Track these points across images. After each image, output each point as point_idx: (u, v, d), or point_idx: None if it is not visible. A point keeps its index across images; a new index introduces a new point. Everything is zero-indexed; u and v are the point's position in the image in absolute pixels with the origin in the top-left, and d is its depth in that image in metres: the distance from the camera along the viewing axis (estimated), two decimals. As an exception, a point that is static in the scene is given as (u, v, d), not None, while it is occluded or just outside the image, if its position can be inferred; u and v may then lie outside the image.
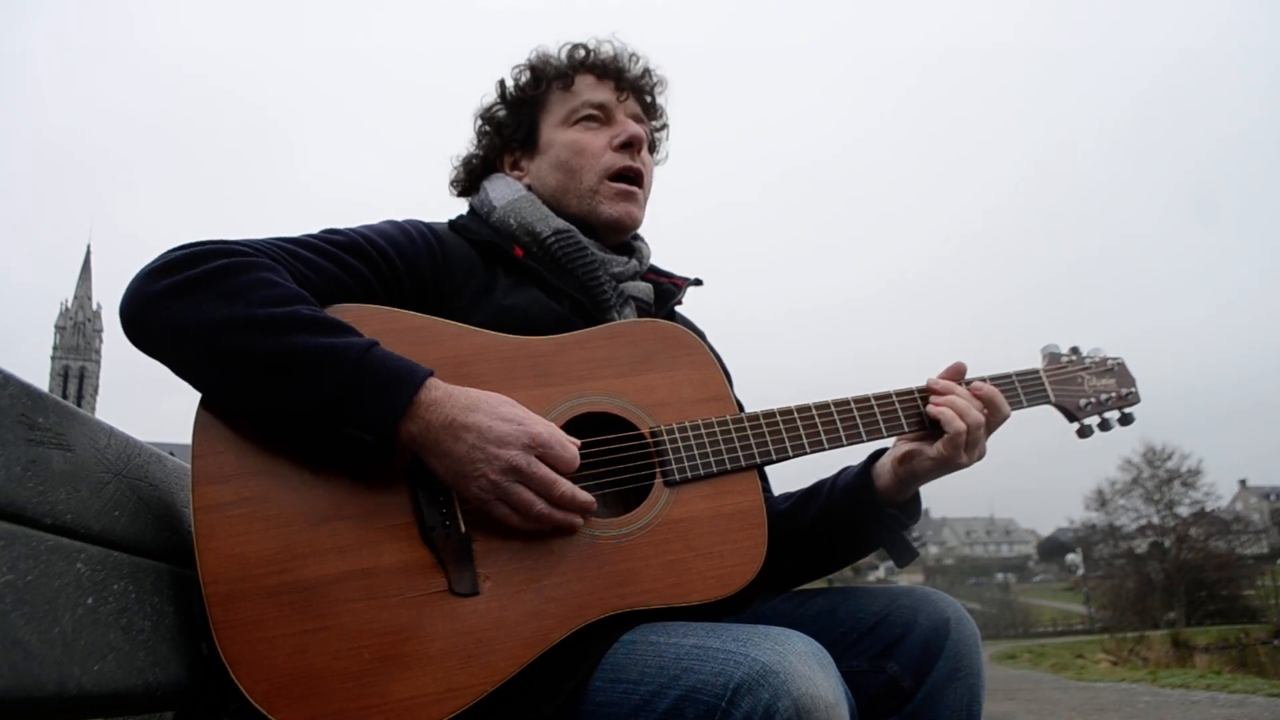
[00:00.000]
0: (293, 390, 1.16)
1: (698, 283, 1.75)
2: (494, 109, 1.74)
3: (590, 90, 1.66)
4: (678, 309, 1.75)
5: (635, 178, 1.64)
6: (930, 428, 1.51)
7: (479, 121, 1.75)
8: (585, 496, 1.24)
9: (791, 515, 1.61)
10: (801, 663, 1.06)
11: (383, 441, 1.18)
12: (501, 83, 1.72)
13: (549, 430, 1.23)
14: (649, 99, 1.73)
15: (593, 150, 1.62)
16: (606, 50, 1.68)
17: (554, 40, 1.71)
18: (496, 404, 1.23)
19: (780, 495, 1.70)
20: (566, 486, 1.22)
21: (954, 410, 1.48)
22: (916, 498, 1.57)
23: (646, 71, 1.72)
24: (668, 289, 1.72)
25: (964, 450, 1.48)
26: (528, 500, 1.20)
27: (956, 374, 1.58)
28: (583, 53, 1.67)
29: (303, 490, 1.18)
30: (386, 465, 1.23)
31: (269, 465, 1.18)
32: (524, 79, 1.70)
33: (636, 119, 1.69)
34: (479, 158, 1.75)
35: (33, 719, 0.87)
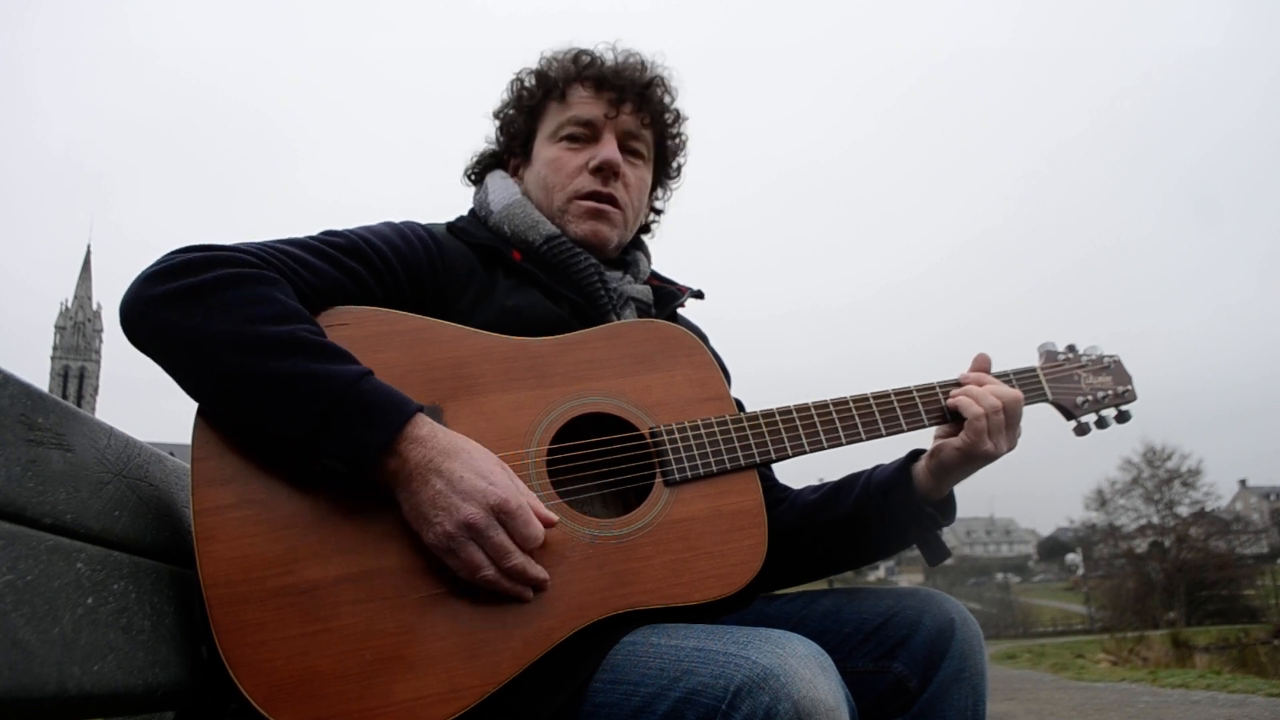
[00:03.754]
0: (278, 413, 1.15)
1: (699, 295, 1.75)
2: (506, 109, 1.73)
3: (582, 105, 1.62)
4: (680, 312, 1.75)
5: (607, 199, 1.61)
6: (951, 419, 1.53)
7: (495, 119, 1.76)
8: (538, 573, 1.20)
9: (823, 507, 1.61)
10: (802, 665, 1.06)
11: (360, 474, 1.16)
12: (516, 83, 1.71)
13: (519, 500, 1.18)
14: (656, 109, 1.68)
15: (568, 170, 1.61)
16: (609, 59, 1.64)
17: (564, 42, 1.69)
18: (476, 457, 1.20)
19: (808, 487, 1.70)
20: (519, 560, 1.18)
21: (970, 397, 1.50)
22: (952, 498, 1.58)
23: (655, 80, 1.66)
24: (669, 292, 1.72)
25: (988, 436, 1.48)
26: (477, 561, 1.16)
27: (982, 365, 1.61)
28: (586, 59, 1.64)
29: (303, 492, 1.18)
30: None
31: (269, 467, 1.18)
32: (529, 84, 1.68)
33: (629, 135, 1.65)
34: (492, 155, 1.76)
35: (33, 719, 0.87)
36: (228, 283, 1.20)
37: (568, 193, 1.61)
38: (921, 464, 1.55)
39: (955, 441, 1.50)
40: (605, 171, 1.61)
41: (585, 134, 1.63)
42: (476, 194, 1.72)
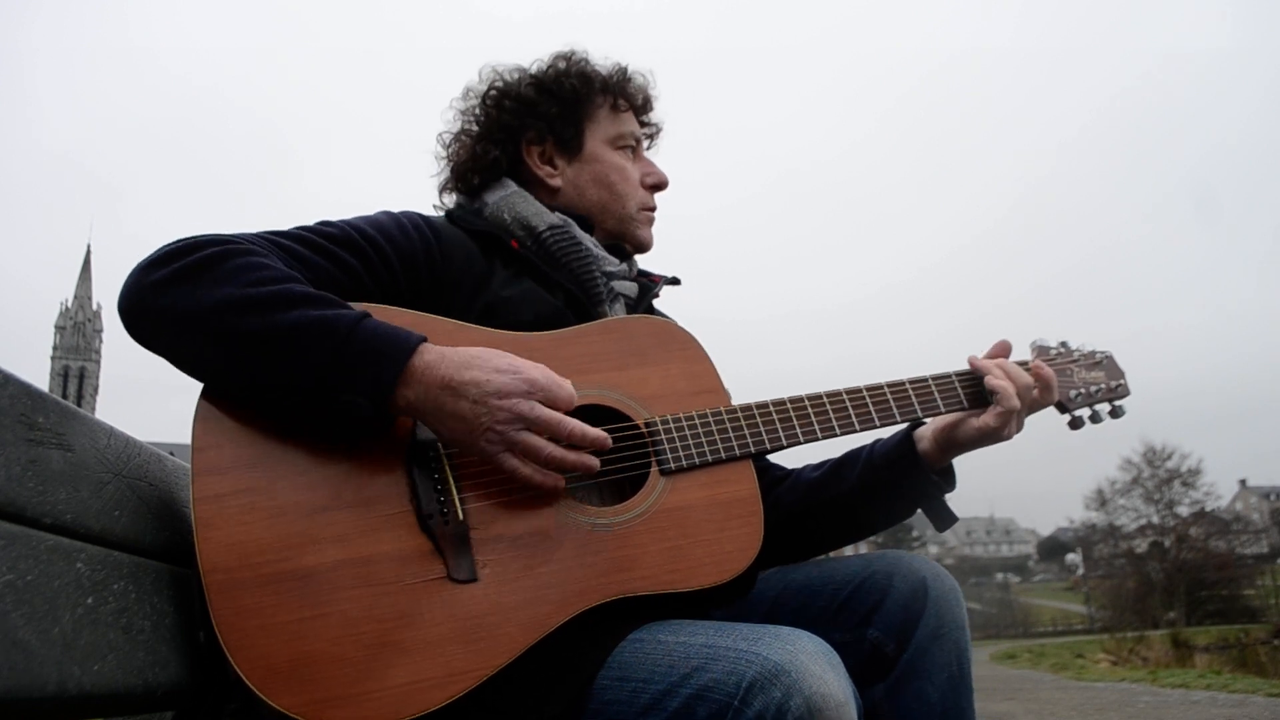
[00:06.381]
0: (288, 365, 1.17)
1: (675, 281, 1.78)
2: (528, 91, 1.68)
3: (632, 122, 1.76)
4: (654, 303, 1.77)
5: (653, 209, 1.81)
6: (971, 404, 1.58)
7: (500, 100, 1.69)
8: (596, 432, 1.26)
9: (826, 484, 1.66)
10: (812, 662, 1.07)
11: (379, 408, 1.19)
12: (546, 71, 1.70)
13: (544, 372, 1.25)
14: (651, 141, 1.85)
15: (633, 181, 1.74)
16: (641, 83, 1.77)
17: (573, 42, 1.75)
18: (490, 357, 1.25)
19: (808, 465, 1.74)
20: (573, 424, 1.24)
21: (1013, 384, 1.55)
22: (951, 467, 1.64)
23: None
24: (645, 284, 1.75)
25: (1015, 420, 1.56)
26: (537, 445, 1.22)
27: (1003, 351, 1.65)
28: (624, 76, 1.73)
29: (301, 480, 1.19)
30: (384, 453, 1.24)
31: (267, 456, 1.19)
32: (576, 80, 1.69)
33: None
34: (501, 140, 1.68)
35: (33, 719, 0.87)
36: (221, 257, 1.23)
37: (637, 202, 1.74)
38: (927, 435, 1.60)
39: (977, 422, 1.55)
40: (659, 190, 1.80)
41: (635, 147, 1.77)
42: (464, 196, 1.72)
